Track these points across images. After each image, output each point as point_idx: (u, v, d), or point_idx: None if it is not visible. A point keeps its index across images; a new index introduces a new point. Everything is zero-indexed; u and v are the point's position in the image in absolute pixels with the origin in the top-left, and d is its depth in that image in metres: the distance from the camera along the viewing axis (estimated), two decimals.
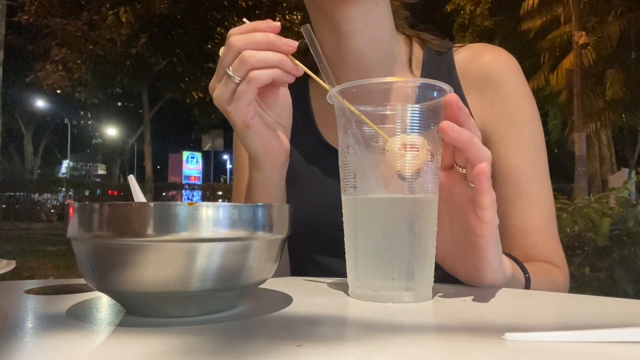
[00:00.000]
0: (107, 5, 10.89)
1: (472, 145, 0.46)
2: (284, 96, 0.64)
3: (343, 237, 0.51)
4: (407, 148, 0.45)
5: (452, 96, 0.47)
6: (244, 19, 0.59)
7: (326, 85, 0.55)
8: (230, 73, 0.57)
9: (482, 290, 0.51)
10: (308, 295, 0.50)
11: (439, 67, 0.78)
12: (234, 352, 0.30)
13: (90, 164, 34.88)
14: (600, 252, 2.48)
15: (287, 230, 0.44)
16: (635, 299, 0.47)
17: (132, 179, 0.53)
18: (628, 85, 10.51)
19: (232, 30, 0.58)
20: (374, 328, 0.37)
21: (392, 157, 0.45)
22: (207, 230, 0.36)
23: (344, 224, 0.51)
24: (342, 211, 0.51)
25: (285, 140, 0.65)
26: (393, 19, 0.77)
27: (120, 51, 11.05)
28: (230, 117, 0.60)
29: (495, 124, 0.73)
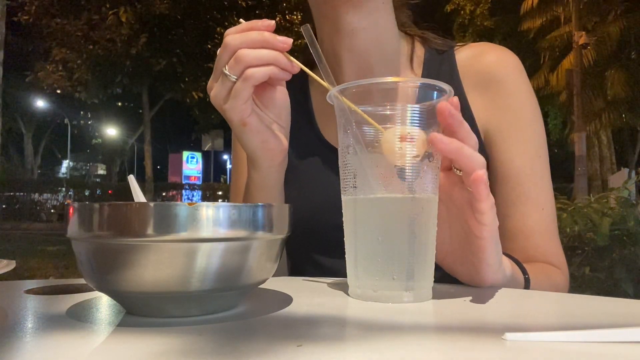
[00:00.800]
0: (107, 5, 10.91)
1: (462, 156, 0.46)
2: (282, 95, 0.64)
3: (343, 236, 0.51)
4: (404, 139, 0.45)
5: (443, 104, 0.46)
6: (241, 20, 0.59)
7: (323, 82, 0.55)
8: (227, 72, 0.57)
9: (482, 291, 0.51)
10: (308, 295, 0.50)
11: (440, 66, 0.78)
12: (234, 352, 0.30)
13: (90, 164, 34.88)
14: (600, 252, 2.48)
15: (287, 230, 0.44)
16: (635, 299, 0.47)
17: (132, 179, 0.53)
18: (628, 85, 10.52)
19: (229, 30, 0.58)
20: (374, 328, 0.37)
21: (388, 147, 0.45)
22: (207, 230, 0.36)
23: (344, 224, 0.51)
24: (342, 211, 0.51)
25: (284, 139, 0.65)
26: (396, 17, 0.77)
27: (120, 51, 11.07)
28: (227, 115, 0.60)
29: (498, 123, 0.73)
